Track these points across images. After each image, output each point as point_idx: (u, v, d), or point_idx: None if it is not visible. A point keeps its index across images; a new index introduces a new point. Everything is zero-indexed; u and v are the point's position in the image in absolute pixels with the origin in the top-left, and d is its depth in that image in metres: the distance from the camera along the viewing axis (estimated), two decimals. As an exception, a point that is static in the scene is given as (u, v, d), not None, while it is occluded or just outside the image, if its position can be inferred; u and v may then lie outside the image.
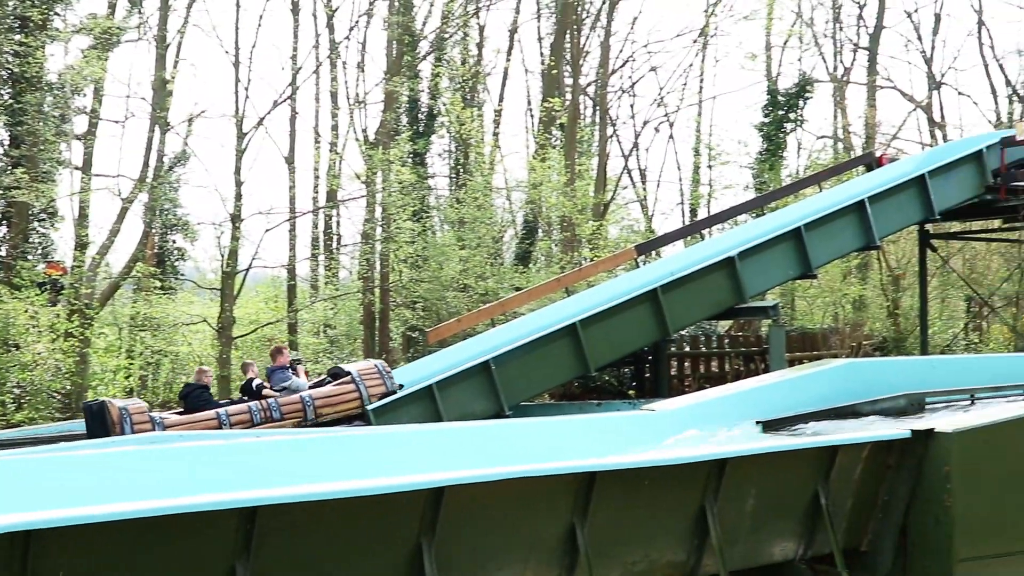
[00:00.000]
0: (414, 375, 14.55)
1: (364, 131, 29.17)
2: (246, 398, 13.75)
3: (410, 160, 27.09)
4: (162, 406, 15.77)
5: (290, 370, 14.15)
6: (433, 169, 30.68)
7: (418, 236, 25.29)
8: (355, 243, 28.42)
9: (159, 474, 6.59)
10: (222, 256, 24.10)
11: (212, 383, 14.35)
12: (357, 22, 29.32)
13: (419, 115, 28.64)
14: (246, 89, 24.55)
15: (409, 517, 5.50)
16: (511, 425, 9.12)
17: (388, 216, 25.03)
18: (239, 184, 23.26)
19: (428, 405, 13.86)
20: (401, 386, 14.42)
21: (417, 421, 13.21)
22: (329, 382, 14.37)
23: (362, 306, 26.75)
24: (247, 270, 24.48)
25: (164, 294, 23.85)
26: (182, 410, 13.49)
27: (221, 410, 13.18)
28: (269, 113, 24.42)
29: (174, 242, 25.79)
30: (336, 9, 28.15)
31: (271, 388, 13.88)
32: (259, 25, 38.36)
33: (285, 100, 25.29)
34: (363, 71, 30.13)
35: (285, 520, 5.16)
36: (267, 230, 27.93)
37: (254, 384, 13.84)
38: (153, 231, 24.42)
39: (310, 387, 14.02)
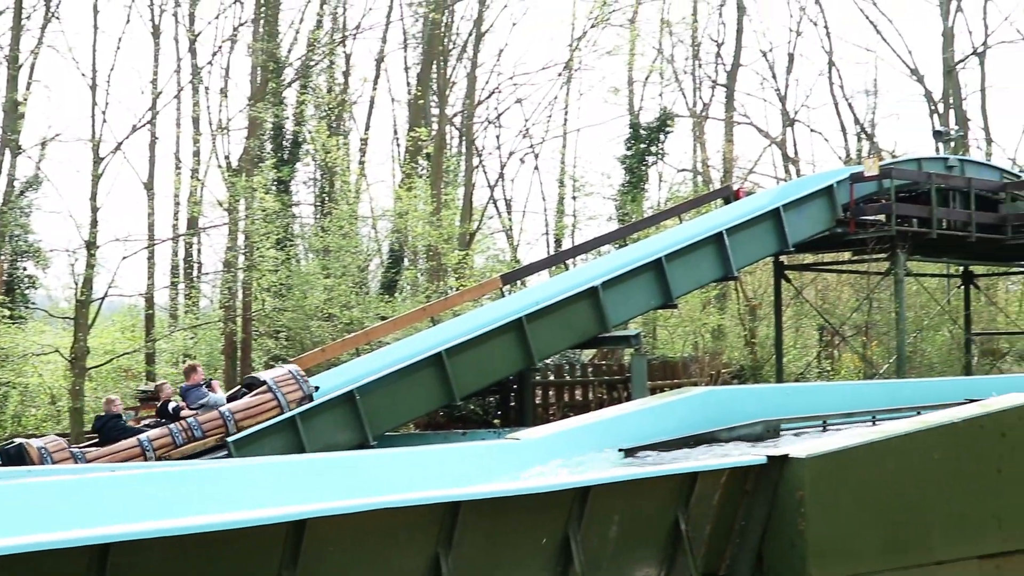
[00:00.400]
0: (277, 406, 14.28)
1: (227, 157, 28.68)
2: (164, 421, 13.48)
3: (274, 187, 26.73)
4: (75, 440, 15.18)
5: (205, 387, 14.05)
6: (298, 197, 30.34)
7: (282, 264, 24.91)
8: (216, 271, 27.85)
9: (6, 510, 6.32)
10: (76, 284, 23.30)
11: (121, 411, 13.98)
12: (220, 47, 28.85)
13: (284, 142, 28.29)
14: (103, 113, 23.84)
15: (270, 551, 5.38)
16: (375, 456, 9.05)
17: (251, 244, 24.62)
18: (95, 210, 22.55)
19: (291, 436, 13.64)
20: (317, 388, 14.37)
21: (279, 452, 12.97)
22: (245, 393, 14.23)
23: (223, 336, 26.19)
24: (103, 298, 23.72)
25: (13, 323, 22.90)
26: (97, 442, 13.21)
27: (142, 436, 13.02)
28: (127, 138, 23.76)
29: (24, 269, 24.85)
30: (199, 34, 27.68)
31: (188, 407, 13.63)
32: (118, 48, 37.22)
33: (145, 125, 24.69)
34: (226, 97, 29.64)
35: (140, 557, 5.00)
36: (124, 257, 27.06)
37: (170, 407, 13.59)
38: (2, 257, 23.49)
39: (227, 401, 13.90)
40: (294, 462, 8.48)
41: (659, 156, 33.55)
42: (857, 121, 44.38)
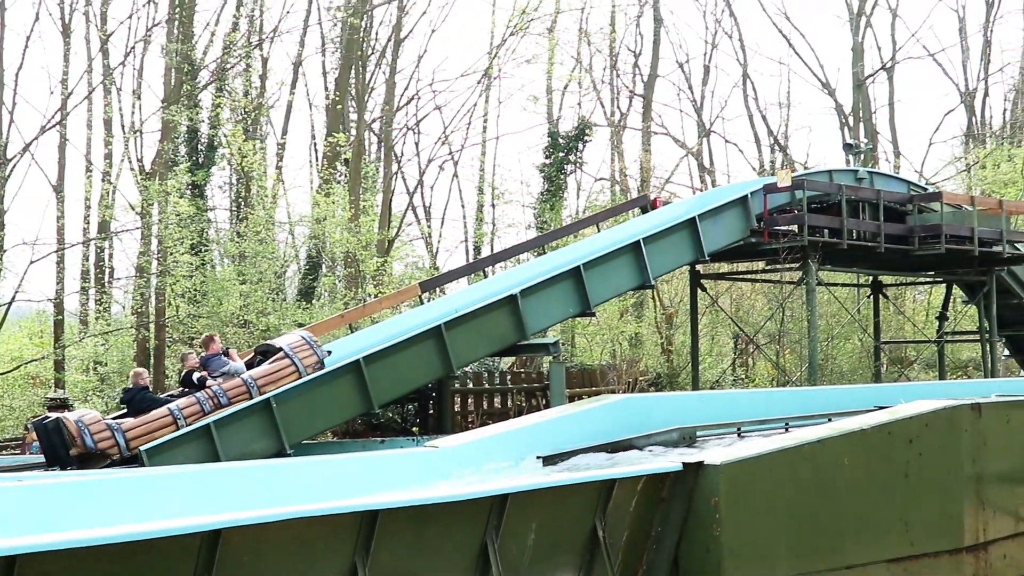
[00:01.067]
0: (190, 414, 14.06)
1: (140, 160, 28.20)
2: (187, 390, 14.00)
3: (188, 192, 26.34)
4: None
5: (223, 356, 14.49)
6: (213, 201, 29.95)
7: (196, 270, 24.56)
8: (129, 276, 27.37)
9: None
10: (-19, 289, 22.72)
11: (148, 384, 14.48)
12: (133, 48, 28.38)
13: (199, 146, 27.88)
14: (10, 113, 23.31)
15: (183, 562, 5.30)
16: (292, 464, 8.95)
17: (164, 249, 24.21)
18: (1, 213, 22.00)
19: (205, 445, 13.42)
20: (329, 352, 14.77)
21: (194, 461, 12.75)
22: (260, 361, 14.64)
23: (136, 342, 25.70)
24: (9, 304, 23.15)
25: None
26: (126, 413, 13.63)
27: (172, 406, 13.50)
28: (36, 139, 23.26)
29: (-72, 273, 24.16)
30: (111, 33, 27.20)
31: (210, 375, 14.09)
32: (26, 46, 36.47)
33: (54, 126, 24.16)
34: (139, 98, 29.15)
35: (48, 569, 4.88)
36: (32, 262, 26.48)
37: (194, 376, 14.07)
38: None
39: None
40: (208, 471, 8.35)
41: (577, 165, 33.80)
42: (771, 132, 45.24)
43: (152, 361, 25.17)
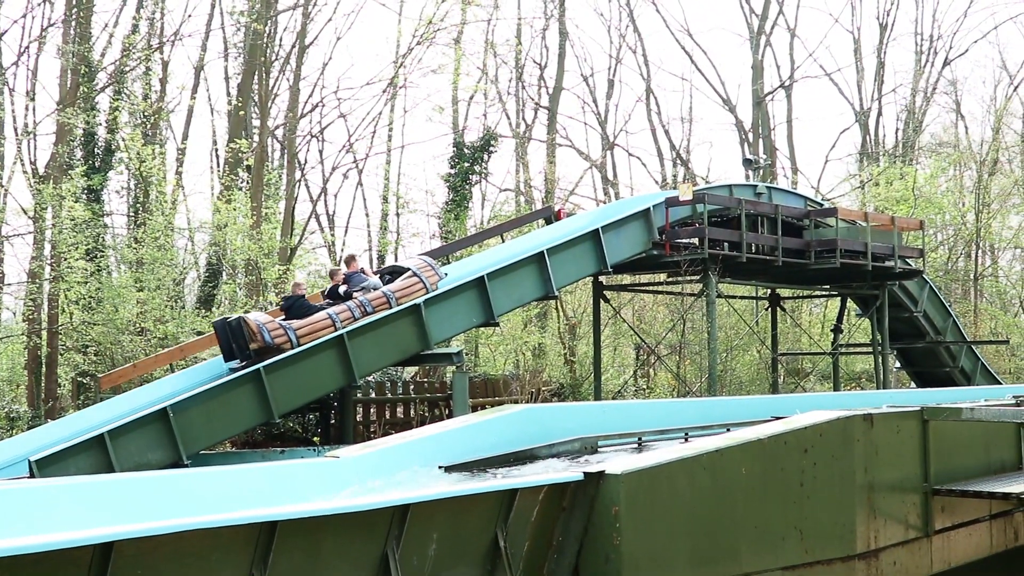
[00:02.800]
0: (84, 424, 13.74)
1: (33, 163, 27.42)
2: (332, 302, 16.31)
3: (84, 196, 25.70)
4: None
5: (362, 273, 17.02)
6: (110, 206, 29.28)
7: (91, 276, 23.95)
8: (20, 282, 26.54)
9: None
10: None
11: (305, 293, 16.74)
12: (27, 48, 27.60)
13: (95, 149, 27.22)
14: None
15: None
16: (189, 475, 8.77)
17: (58, 254, 23.56)
18: None
19: (99, 455, 13.09)
20: (446, 274, 17.17)
21: (86, 472, 12.43)
22: (389, 280, 16.97)
23: (27, 350, 24.95)
24: None
25: None
26: (285, 319, 15.62)
27: (330, 311, 15.80)
28: (-76, 139, 22.47)
29: None
30: (4, 32, 26.41)
31: (351, 289, 16.36)
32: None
33: (-57, 126, 23.36)
34: (33, 100, 28.36)
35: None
36: (-81, 266, 25.63)
37: (340, 290, 16.49)
38: None
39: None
40: (101, 482, 8.13)
41: (482, 175, 33.84)
42: (673, 147, 45.96)
43: (44, 369, 24.47)
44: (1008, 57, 75.05)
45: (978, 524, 10.37)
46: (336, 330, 15.50)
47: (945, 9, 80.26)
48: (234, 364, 15.51)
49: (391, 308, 16.10)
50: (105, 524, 5.56)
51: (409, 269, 16.89)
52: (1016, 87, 52.47)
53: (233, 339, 15.52)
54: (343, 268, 17.31)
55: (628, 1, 45.87)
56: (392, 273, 17.18)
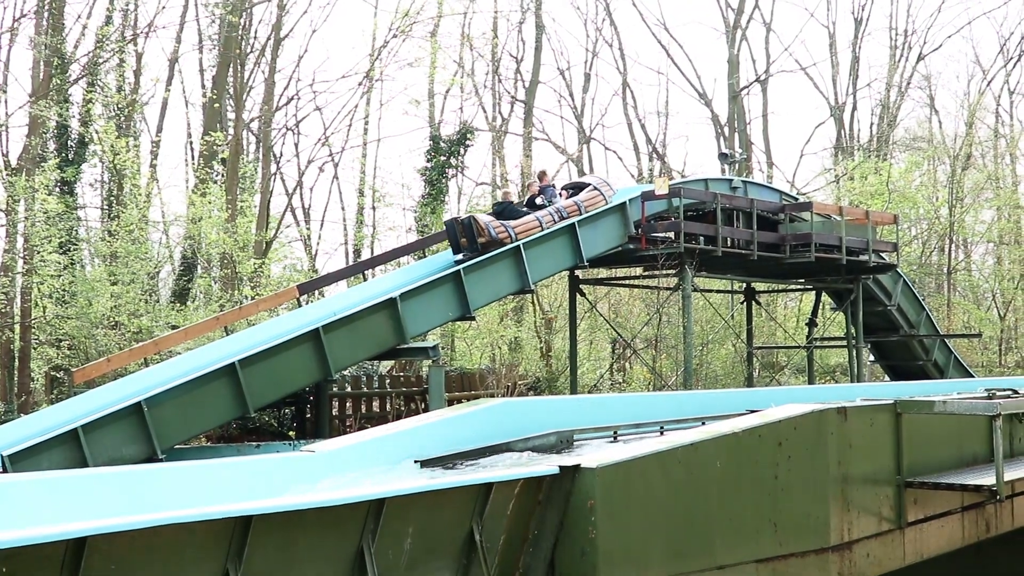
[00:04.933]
0: (57, 418, 13.63)
1: (6, 156, 27.20)
2: (527, 209, 19.40)
3: (57, 189, 25.51)
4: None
5: (553, 186, 20.33)
6: (84, 199, 29.07)
7: (65, 270, 23.78)
8: (-7, 275, 26.33)
9: None
10: None
11: (514, 199, 20.70)
12: (-1, 40, 27.35)
13: (69, 142, 27.02)
14: None
15: (47, 573, 5.12)
16: (163, 469, 8.73)
17: (31, 247, 23.38)
18: None
19: (72, 450, 13.01)
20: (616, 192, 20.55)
21: (60, 467, 12.36)
22: (572, 194, 20.12)
23: (-1, 344, 24.78)
24: None
25: None
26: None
27: (537, 214, 18.94)
28: None
29: None
30: (-24, 24, 26.16)
31: (546, 199, 19.70)
32: None
33: (-86, 118, 23.13)
34: (5, 92, 28.11)
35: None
36: None
37: (537, 200, 19.76)
38: None
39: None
40: (75, 477, 8.09)
41: (459, 169, 33.82)
42: (649, 141, 46.08)
43: (16, 364, 24.29)
44: (981, 52, 75.66)
45: (950, 516, 10.45)
46: (543, 230, 18.83)
47: (919, 4, 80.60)
48: (459, 257, 18.35)
49: (580, 214, 19.38)
50: (78, 519, 5.53)
51: (591, 184, 20.34)
52: (989, 82, 52.87)
53: (464, 234, 18.35)
54: (537, 181, 20.49)
55: (605, -5, 45.89)
56: (575, 188, 20.41)
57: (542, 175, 20.80)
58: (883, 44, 57.57)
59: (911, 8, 51.39)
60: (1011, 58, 52.68)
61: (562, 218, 19.10)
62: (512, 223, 18.47)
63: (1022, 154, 54.47)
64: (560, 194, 20.28)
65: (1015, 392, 11.54)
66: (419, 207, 32.51)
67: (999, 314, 46.33)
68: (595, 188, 19.89)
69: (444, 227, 19.81)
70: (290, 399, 18.18)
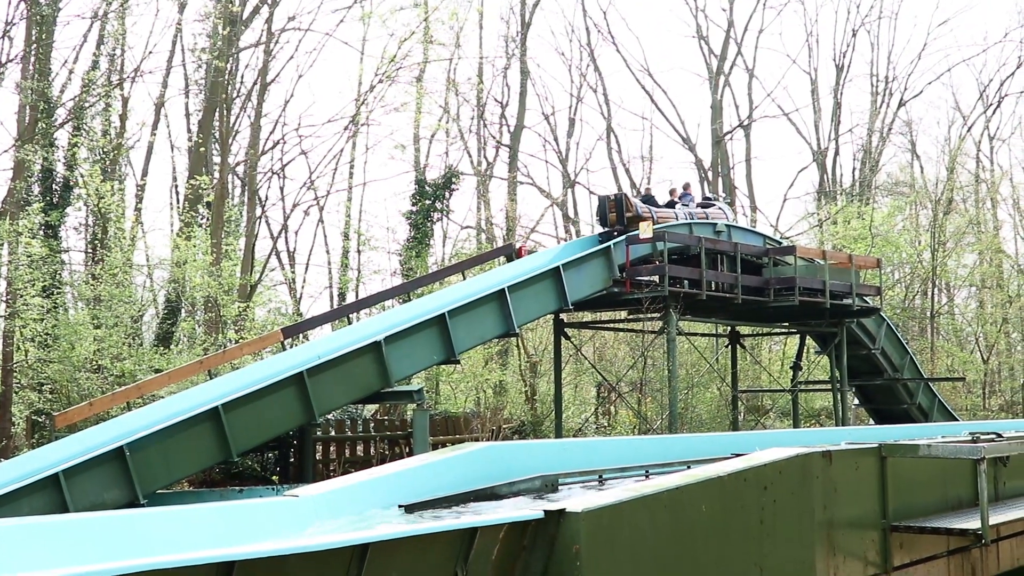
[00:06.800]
0: (38, 463, 13.51)
1: (-10, 199, 27.13)
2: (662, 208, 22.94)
3: (41, 232, 25.46)
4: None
5: (692, 196, 24.36)
6: (68, 243, 29.01)
7: (48, 313, 23.68)
8: (-25, 319, 26.18)
9: None
10: None
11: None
12: (-15, 84, 27.37)
13: (53, 185, 27.00)
14: None
15: (25, 618, 5.06)
16: (144, 515, 8.65)
17: (14, 291, 23.29)
18: None
19: (53, 495, 12.90)
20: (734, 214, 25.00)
21: (40, 513, 12.23)
22: (705, 206, 24.20)
23: (-19, 388, 24.58)
24: None
25: None
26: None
27: (676, 210, 23.03)
28: None
29: None
30: (-38, 68, 26.19)
31: (681, 204, 23.50)
32: None
33: (-102, 162, 23.09)
34: (-8, 136, 28.13)
35: None
36: None
37: (676, 202, 23.56)
38: None
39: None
40: (54, 523, 8.01)
41: (444, 213, 33.91)
42: (633, 185, 46.26)
43: (-2, 408, 24.10)
44: (961, 98, 76.50)
45: (936, 560, 10.42)
46: (677, 220, 22.39)
47: (900, 51, 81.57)
48: (604, 230, 21.49)
49: (707, 219, 23.13)
50: (58, 565, 5.48)
51: (717, 204, 24.53)
52: (969, 128, 53.47)
53: (614, 209, 21.56)
54: (680, 189, 24.31)
55: (589, 41, 46.49)
56: (705, 203, 24.41)
57: (687, 185, 25.00)
58: (864, 90, 58.32)
59: (892, 55, 52.19)
60: (990, 104, 53.33)
61: (691, 218, 22.80)
62: (655, 209, 22.06)
63: (1003, 199, 54.99)
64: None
65: (999, 436, 11.56)
66: (404, 250, 32.54)
67: (982, 357, 46.52)
68: (720, 208, 24.28)
69: (597, 202, 23.07)
70: (273, 443, 18.08)
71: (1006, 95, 53.31)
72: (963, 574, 10.73)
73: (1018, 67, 52.68)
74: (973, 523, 9.71)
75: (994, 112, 54.09)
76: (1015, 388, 44.90)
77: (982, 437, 11.18)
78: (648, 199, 22.89)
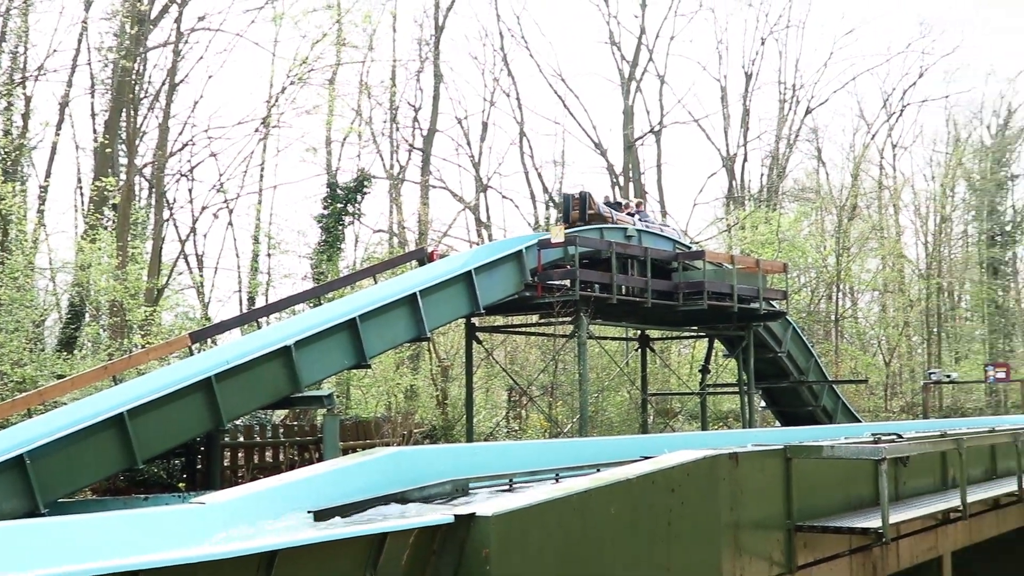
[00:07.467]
0: (-68, 472, 13.10)
1: None
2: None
3: (-62, 235, 24.72)
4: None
5: (647, 214, 25.97)
6: (-34, 245, 28.16)
7: (-55, 318, 22.98)
8: None
9: None
10: None
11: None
12: None
13: (-49, 186, 26.21)
14: None
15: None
16: (45, 524, 8.45)
17: (-91, 295, 22.57)
18: None
19: (-54, 506, 12.53)
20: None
21: (-66, 524, 11.85)
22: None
23: None
24: None
25: None
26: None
27: (631, 219, 24.16)
28: None
29: None
30: None
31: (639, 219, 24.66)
32: None
33: None
34: None
35: None
36: None
37: (634, 216, 24.59)
38: None
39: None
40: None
41: (356, 216, 33.66)
42: (546, 189, 46.51)
43: None
44: (865, 107, 78.26)
45: (839, 559, 10.64)
46: (634, 225, 23.74)
47: (807, 60, 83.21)
48: (567, 225, 22.38)
49: (659, 235, 24.50)
50: (-47, 578, 5.32)
51: (671, 227, 27.59)
52: (873, 135, 54.86)
53: (578, 206, 22.69)
54: (634, 207, 25.59)
55: (502, 45, 46.50)
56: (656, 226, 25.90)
57: (640, 204, 26.83)
58: (772, 98, 59.44)
59: (799, 63, 53.36)
60: (893, 112, 54.79)
61: (647, 229, 24.25)
62: (616, 213, 23.46)
63: (904, 205, 56.52)
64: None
65: (899, 436, 11.87)
66: (315, 254, 32.24)
67: (884, 360, 47.75)
68: (673, 229, 27.33)
69: (562, 199, 24.47)
70: (180, 450, 17.79)
71: (908, 104, 54.88)
72: (864, 572, 10.99)
73: (920, 77, 54.30)
74: (874, 522, 9.95)
75: (897, 120, 55.61)
76: (915, 390, 46.17)
77: (883, 438, 11.48)
78: (611, 204, 24.13)
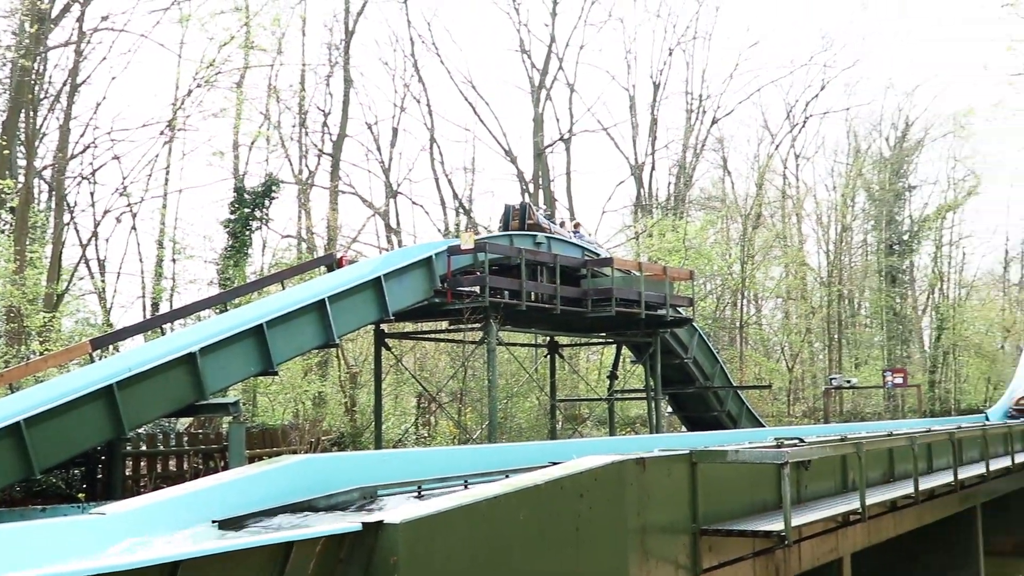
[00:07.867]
0: None
1: None
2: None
3: None
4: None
5: (582, 234, 26.76)
6: None
7: None
8: None
9: None
10: None
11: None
12: None
13: None
14: None
15: None
16: (-64, 537, 8.17)
17: None
18: None
19: None
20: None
21: None
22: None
23: None
24: None
25: None
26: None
27: (569, 232, 25.41)
28: None
29: None
30: None
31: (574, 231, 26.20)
32: None
33: None
34: None
35: None
36: None
37: (574, 233, 26.18)
38: None
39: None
40: None
41: (264, 221, 33.23)
42: (456, 196, 46.53)
43: None
44: (770, 117, 79.87)
45: (743, 562, 10.82)
46: (570, 237, 25.03)
47: (713, 71, 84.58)
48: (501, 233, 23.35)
49: (568, 242, 24.93)
50: None
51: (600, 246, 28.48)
52: (777, 146, 56.00)
53: (518, 216, 23.65)
54: (572, 226, 26.64)
55: (413, 51, 46.39)
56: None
57: (577, 225, 27.71)
58: (680, 108, 60.19)
59: (705, 74, 54.13)
60: (796, 123, 55.99)
61: (574, 243, 25.20)
62: (553, 225, 24.75)
63: (807, 214, 57.78)
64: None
65: (801, 440, 12.11)
66: (221, 260, 31.75)
67: (787, 366, 48.74)
68: (599, 246, 28.10)
69: (503, 209, 24.83)
70: (80, 459, 17.36)
71: (810, 116, 56.15)
72: (768, 574, 11.18)
73: (822, 89, 55.55)
74: (777, 525, 10.13)
75: (800, 131, 56.85)
76: (817, 395, 47.17)
77: (786, 442, 11.69)
78: (550, 217, 26.22)
